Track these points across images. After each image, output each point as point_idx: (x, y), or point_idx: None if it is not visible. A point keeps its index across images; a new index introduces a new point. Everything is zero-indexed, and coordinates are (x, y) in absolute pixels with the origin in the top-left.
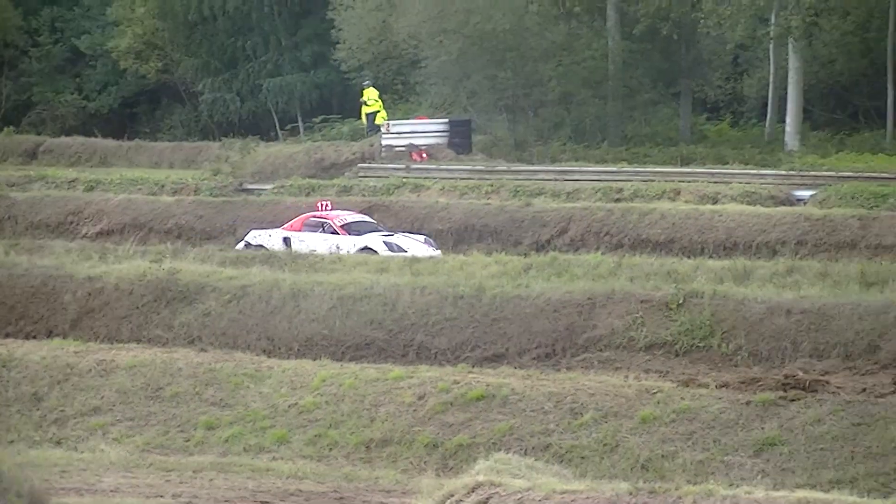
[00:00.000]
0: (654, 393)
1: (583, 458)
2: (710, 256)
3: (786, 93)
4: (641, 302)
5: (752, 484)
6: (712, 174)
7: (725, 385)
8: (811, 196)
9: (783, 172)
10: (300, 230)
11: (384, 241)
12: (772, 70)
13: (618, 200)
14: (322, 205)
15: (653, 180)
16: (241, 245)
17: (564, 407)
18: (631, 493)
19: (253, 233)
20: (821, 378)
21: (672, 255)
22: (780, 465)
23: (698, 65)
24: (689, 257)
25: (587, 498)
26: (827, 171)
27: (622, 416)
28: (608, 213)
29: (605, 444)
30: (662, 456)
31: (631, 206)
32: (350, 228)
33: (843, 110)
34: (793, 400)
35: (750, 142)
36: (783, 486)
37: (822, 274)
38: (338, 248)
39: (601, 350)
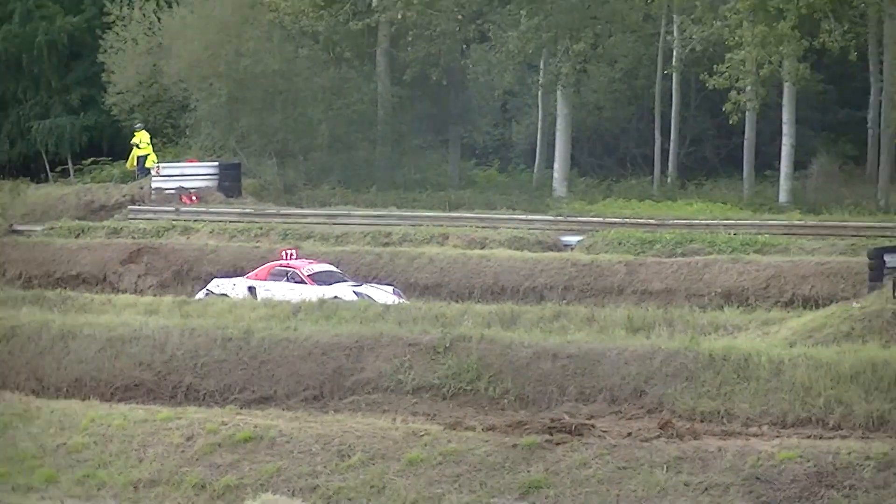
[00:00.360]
0: (422, 435)
1: (350, 499)
2: (478, 301)
3: (554, 139)
4: (409, 345)
5: None
6: (481, 219)
7: (492, 428)
8: (578, 242)
9: (550, 218)
10: (265, 279)
11: (354, 292)
12: (540, 116)
13: (387, 244)
14: (287, 253)
15: (422, 225)
16: (202, 293)
17: (332, 449)
18: None
19: (216, 281)
20: (587, 422)
21: (440, 299)
22: None
23: (467, 111)
24: (457, 301)
25: None
26: (594, 217)
27: (389, 459)
28: (377, 256)
29: (372, 486)
30: (429, 498)
31: (399, 250)
32: (317, 278)
33: (610, 157)
34: (559, 443)
35: (518, 187)
36: None
37: (588, 319)
38: (306, 297)
39: (369, 393)
